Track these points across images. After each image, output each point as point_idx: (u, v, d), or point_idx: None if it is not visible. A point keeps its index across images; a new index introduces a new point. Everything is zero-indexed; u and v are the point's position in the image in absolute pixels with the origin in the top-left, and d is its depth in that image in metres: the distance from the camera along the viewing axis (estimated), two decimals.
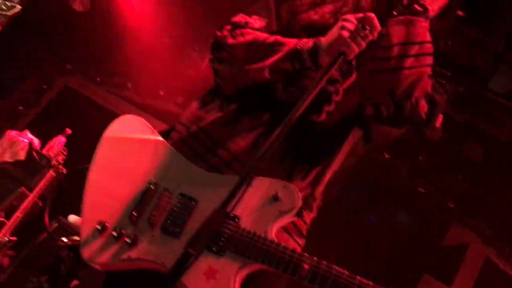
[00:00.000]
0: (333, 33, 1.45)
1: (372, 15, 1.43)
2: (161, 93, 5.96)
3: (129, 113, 5.98)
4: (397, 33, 1.50)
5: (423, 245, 4.78)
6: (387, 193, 4.82)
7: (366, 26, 1.40)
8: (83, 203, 1.60)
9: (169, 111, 5.90)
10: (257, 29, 1.66)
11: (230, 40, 1.64)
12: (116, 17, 5.50)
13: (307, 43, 1.50)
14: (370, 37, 1.42)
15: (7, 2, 2.28)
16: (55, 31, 5.70)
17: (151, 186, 1.53)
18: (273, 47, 1.54)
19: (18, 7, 2.30)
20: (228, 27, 1.68)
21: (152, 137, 1.64)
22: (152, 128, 1.65)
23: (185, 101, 5.85)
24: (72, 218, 4.40)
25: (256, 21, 1.68)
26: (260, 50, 1.57)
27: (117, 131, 1.68)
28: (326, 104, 1.54)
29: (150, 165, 1.57)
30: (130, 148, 1.63)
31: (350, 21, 1.43)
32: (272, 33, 1.64)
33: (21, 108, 5.77)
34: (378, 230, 4.87)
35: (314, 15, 1.61)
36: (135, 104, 6.00)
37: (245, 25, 1.67)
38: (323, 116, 1.54)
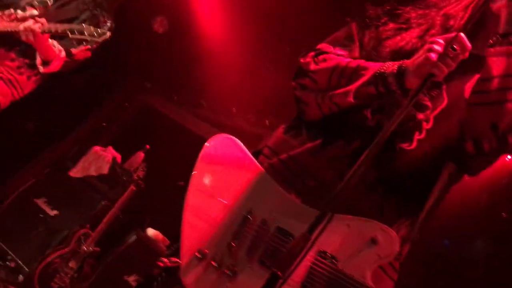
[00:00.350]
0: (419, 55, 1.42)
1: (461, 35, 1.39)
2: (234, 110, 6.10)
3: (203, 130, 6.17)
4: (497, 64, 1.44)
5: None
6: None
7: (455, 46, 1.36)
8: (182, 226, 1.61)
9: (241, 128, 6.02)
10: (341, 54, 1.65)
11: (313, 66, 1.64)
12: (193, 37, 5.71)
13: (392, 66, 1.47)
14: (461, 57, 1.39)
15: (98, 30, 2.42)
16: (136, 51, 6.02)
17: (249, 215, 1.52)
18: (356, 72, 1.53)
19: (108, 33, 2.42)
20: (312, 53, 1.68)
21: (248, 160, 1.62)
22: (247, 151, 1.64)
23: (256, 118, 5.95)
24: (151, 231, 4.62)
25: (339, 50, 1.67)
26: (343, 75, 1.55)
27: (213, 152, 1.68)
28: (416, 131, 1.50)
29: (247, 191, 1.57)
30: (226, 171, 1.62)
31: (438, 42, 1.40)
32: (355, 59, 1.62)
33: (104, 124, 6.12)
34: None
35: (400, 41, 1.58)
36: (209, 121, 6.18)
37: (329, 52, 1.66)
38: (414, 145, 1.50)
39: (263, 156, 1.68)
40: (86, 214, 4.44)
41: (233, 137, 1.66)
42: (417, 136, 1.49)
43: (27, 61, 2.76)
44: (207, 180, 1.64)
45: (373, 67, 1.50)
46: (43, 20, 2.44)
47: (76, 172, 4.94)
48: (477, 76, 1.50)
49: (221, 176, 1.62)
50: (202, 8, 5.43)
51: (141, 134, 5.98)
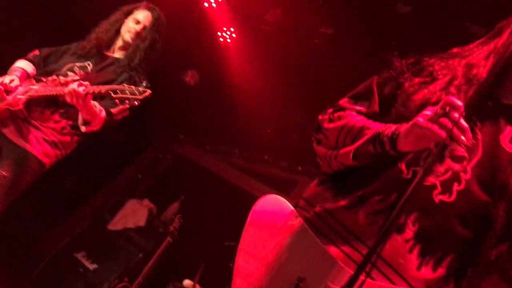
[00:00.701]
0: (412, 120, 1.43)
1: (448, 97, 1.37)
2: (266, 157, 6.16)
3: (236, 177, 6.20)
4: None
5: None
6: None
7: (446, 108, 1.33)
8: None
9: (273, 175, 6.06)
10: (358, 111, 1.67)
11: (327, 124, 1.67)
12: (223, 88, 5.86)
13: (390, 127, 1.49)
14: (454, 115, 1.33)
15: (139, 88, 2.53)
16: (168, 103, 6.20)
17: (300, 284, 1.49)
18: (360, 131, 1.55)
19: (149, 91, 2.52)
20: (330, 110, 1.71)
21: (296, 222, 1.60)
22: (295, 211, 1.62)
23: (288, 164, 5.98)
24: (187, 282, 4.62)
25: (358, 106, 1.69)
26: (349, 134, 1.58)
27: (261, 214, 1.67)
28: (455, 183, 1.48)
29: (296, 256, 1.55)
30: (275, 234, 1.61)
31: (430, 108, 1.40)
32: (374, 114, 1.65)
33: (140, 176, 6.26)
34: None
35: (427, 94, 1.57)
36: (242, 169, 6.24)
37: (347, 108, 1.69)
38: (453, 196, 1.48)
39: (300, 209, 1.67)
40: (124, 267, 4.48)
41: (282, 198, 1.68)
42: (456, 187, 1.49)
43: (70, 122, 2.89)
44: (256, 244, 1.64)
45: (376, 128, 1.52)
46: (86, 82, 2.57)
47: (114, 225, 5.03)
48: (510, 127, 1.51)
49: (271, 240, 1.62)
50: (233, 59, 5.60)
51: (176, 185, 6.07)
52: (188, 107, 6.18)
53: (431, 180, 1.47)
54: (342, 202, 1.57)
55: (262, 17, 4.51)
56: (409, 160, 1.51)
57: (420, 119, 1.38)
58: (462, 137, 1.33)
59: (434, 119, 1.35)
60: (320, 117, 1.72)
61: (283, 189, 5.76)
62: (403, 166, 1.52)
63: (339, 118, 1.65)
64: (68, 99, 2.57)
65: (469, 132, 1.35)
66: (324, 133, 1.67)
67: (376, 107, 1.66)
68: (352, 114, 1.65)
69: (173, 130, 6.62)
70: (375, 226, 1.50)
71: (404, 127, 1.44)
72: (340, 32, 3.94)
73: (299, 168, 5.72)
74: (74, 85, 2.56)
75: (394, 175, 1.53)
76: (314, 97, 4.94)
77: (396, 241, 1.46)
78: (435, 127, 1.33)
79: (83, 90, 2.52)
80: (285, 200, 1.65)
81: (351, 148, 1.54)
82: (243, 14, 4.83)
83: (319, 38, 4.11)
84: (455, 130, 1.32)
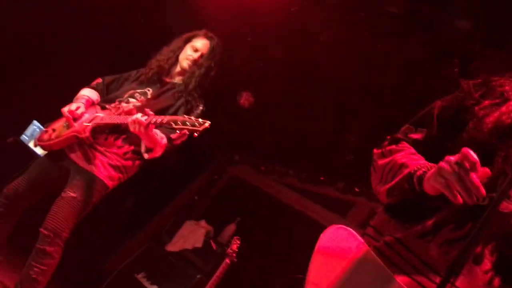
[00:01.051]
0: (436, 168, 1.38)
1: (466, 149, 1.30)
2: (322, 178, 6.08)
3: (291, 199, 6.14)
4: None
5: None
6: None
7: (464, 162, 1.27)
8: None
9: (330, 196, 5.97)
10: (414, 140, 1.65)
11: (378, 159, 1.67)
12: (277, 109, 5.89)
13: (423, 167, 1.46)
14: (469, 168, 1.28)
15: (199, 119, 2.57)
16: (223, 125, 6.29)
17: None
18: (400, 169, 1.54)
19: (208, 122, 2.55)
20: (385, 142, 1.70)
21: (364, 254, 1.57)
22: (364, 243, 1.58)
23: (345, 185, 5.87)
24: None
25: (416, 134, 1.67)
26: (391, 171, 1.57)
27: (328, 244, 1.65)
28: None
29: (365, 286, 1.52)
30: (344, 266, 1.59)
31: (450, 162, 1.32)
32: (433, 141, 1.61)
33: (196, 198, 6.35)
34: None
35: (500, 116, 1.52)
36: (297, 190, 6.19)
37: (402, 139, 1.67)
38: None
39: (368, 237, 1.65)
40: None
41: (349, 229, 1.65)
42: None
43: (132, 147, 2.99)
44: (324, 278, 1.63)
45: (412, 166, 1.50)
46: (149, 112, 2.64)
47: (172, 246, 5.10)
48: None
49: (340, 273, 1.58)
50: (285, 80, 5.62)
51: (232, 206, 6.11)
52: (243, 128, 6.24)
53: (509, 206, 1.39)
54: (413, 231, 1.53)
55: (316, 37, 4.49)
56: (485, 185, 1.44)
57: (444, 167, 1.32)
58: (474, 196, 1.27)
59: (453, 173, 1.28)
60: (374, 150, 1.72)
61: (340, 211, 5.66)
62: None
63: (390, 152, 1.64)
64: (131, 128, 2.65)
65: (482, 190, 1.27)
66: (374, 166, 1.67)
67: (435, 133, 1.63)
68: (403, 148, 1.63)
69: (228, 151, 6.69)
70: (449, 256, 1.44)
71: (432, 171, 1.40)
72: (399, 49, 3.86)
73: (356, 189, 5.60)
74: (138, 115, 2.64)
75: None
76: (371, 117, 4.86)
77: (474, 272, 1.40)
78: (453, 182, 1.28)
79: (146, 120, 2.59)
80: (352, 231, 1.62)
81: (387, 187, 1.55)
82: (297, 34, 4.85)
83: (376, 56, 4.05)
84: (467, 187, 1.27)
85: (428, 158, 1.55)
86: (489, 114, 1.54)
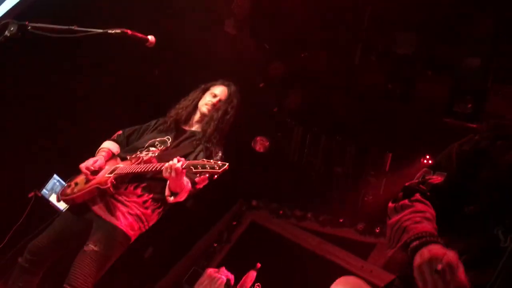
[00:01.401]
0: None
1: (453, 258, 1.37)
2: (341, 220, 6.03)
3: (311, 242, 6.04)
4: None
5: None
6: None
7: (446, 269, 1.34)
8: None
9: (350, 238, 5.89)
10: (433, 187, 1.66)
11: (390, 217, 1.69)
12: (293, 153, 5.92)
13: (417, 239, 1.49)
14: (449, 277, 1.35)
15: (219, 162, 2.61)
16: (240, 172, 6.32)
17: None
18: (402, 234, 1.56)
19: (227, 165, 2.58)
20: (400, 194, 1.72)
21: None
22: None
23: (366, 227, 5.80)
24: None
25: (436, 177, 1.68)
26: (397, 232, 1.60)
27: None
28: None
29: None
30: None
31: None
32: (453, 185, 1.63)
33: (215, 245, 6.30)
34: None
35: None
36: (316, 233, 6.13)
37: (417, 189, 1.69)
38: None
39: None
40: None
41: (358, 279, 1.66)
42: None
43: (151, 195, 3.01)
44: None
45: (411, 232, 1.53)
46: (182, 158, 2.70)
47: None
48: None
49: None
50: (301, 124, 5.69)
51: (251, 252, 6.04)
52: (259, 173, 6.26)
53: None
54: None
55: (329, 82, 4.59)
56: (508, 225, 1.44)
57: (419, 265, 1.39)
58: None
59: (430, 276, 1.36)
60: (389, 204, 1.74)
61: (360, 253, 5.57)
62: (500, 234, 1.46)
63: (402, 208, 1.66)
64: (165, 174, 2.70)
65: None
66: (387, 223, 1.70)
67: (455, 175, 1.65)
68: (414, 204, 1.64)
69: (246, 197, 6.69)
70: None
71: (420, 251, 1.44)
72: (410, 89, 3.91)
73: (377, 229, 5.53)
74: (174, 161, 2.68)
75: (491, 244, 1.47)
76: (390, 157, 4.87)
77: None
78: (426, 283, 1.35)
79: (181, 165, 2.64)
80: (363, 281, 1.64)
81: (392, 251, 1.58)
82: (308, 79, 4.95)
83: (389, 97, 4.10)
84: None
85: (450, 200, 1.58)
86: (504, 155, 1.57)
